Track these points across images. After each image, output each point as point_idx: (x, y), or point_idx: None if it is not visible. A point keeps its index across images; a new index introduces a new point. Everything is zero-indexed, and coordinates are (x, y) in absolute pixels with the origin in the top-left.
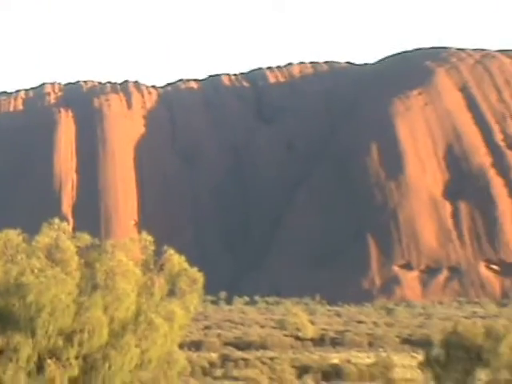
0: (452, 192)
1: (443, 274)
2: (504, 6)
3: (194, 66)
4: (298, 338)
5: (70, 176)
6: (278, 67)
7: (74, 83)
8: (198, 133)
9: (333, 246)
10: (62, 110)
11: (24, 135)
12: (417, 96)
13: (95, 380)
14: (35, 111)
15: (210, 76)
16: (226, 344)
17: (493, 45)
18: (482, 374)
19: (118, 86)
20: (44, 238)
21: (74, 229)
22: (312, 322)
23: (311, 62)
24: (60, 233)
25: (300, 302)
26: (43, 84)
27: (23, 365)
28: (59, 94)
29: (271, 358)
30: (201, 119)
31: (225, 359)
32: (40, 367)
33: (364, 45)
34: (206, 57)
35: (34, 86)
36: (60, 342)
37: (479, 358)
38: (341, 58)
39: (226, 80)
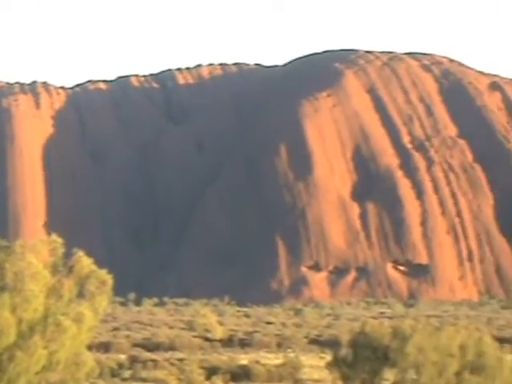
0: (360, 193)
1: (351, 275)
2: (411, 9)
3: (103, 67)
4: (207, 339)
5: None
6: (188, 68)
7: None
8: (106, 133)
9: (242, 247)
10: None
11: None
12: (325, 97)
13: (0, 381)
14: None
15: (119, 77)
16: (135, 345)
17: (400, 47)
18: (389, 374)
19: (27, 87)
20: None
21: None
22: (221, 323)
23: (220, 64)
24: None
25: (209, 303)
26: None
27: None
28: None
29: (180, 360)
30: (110, 120)
31: (133, 360)
32: None
33: (273, 47)
34: (115, 58)
35: None
36: None
37: (386, 357)
38: (250, 59)
39: (135, 81)
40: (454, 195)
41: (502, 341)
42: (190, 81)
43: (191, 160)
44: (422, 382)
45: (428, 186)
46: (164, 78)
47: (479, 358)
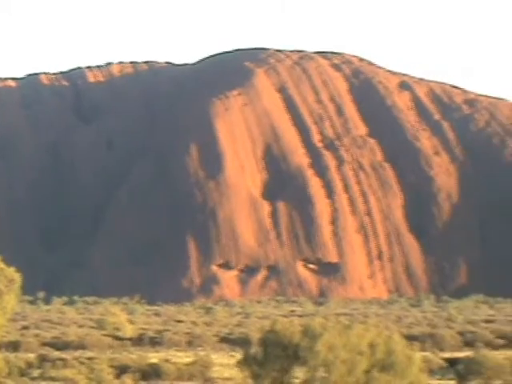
0: (271, 192)
1: (262, 274)
2: (320, 7)
3: (12, 65)
4: (116, 337)
5: None
6: (98, 67)
7: None
8: (15, 131)
9: (152, 245)
10: None
11: None
12: (236, 96)
13: None
14: None
15: (29, 75)
16: (44, 344)
17: (310, 46)
18: (299, 372)
19: None
20: None
21: None
22: (131, 322)
23: (131, 62)
24: None
25: (119, 302)
26: None
27: None
28: None
29: (89, 358)
30: (19, 118)
31: (43, 359)
32: None
33: (184, 45)
34: (25, 55)
35: None
36: None
37: (296, 356)
38: (161, 57)
39: (44, 79)
40: (363, 194)
41: (410, 338)
42: (101, 79)
43: (102, 158)
44: (331, 380)
45: (338, 185)
46: (74, 75)
47: (388, 355)
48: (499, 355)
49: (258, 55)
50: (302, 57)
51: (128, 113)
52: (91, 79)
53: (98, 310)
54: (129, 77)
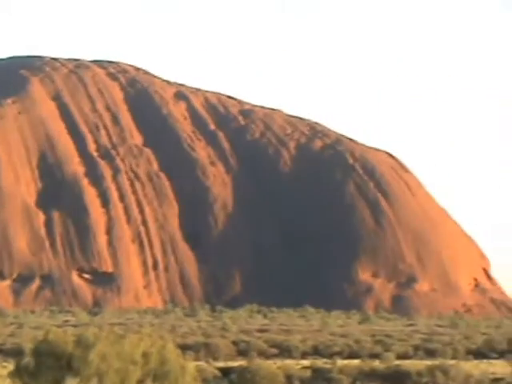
0: (45, 200)
1: (35, 283)
2: (78, 14)
3: None
4: None
5: None
6: None
7: None
8: None
9: None
10: None
11: None
12: (11, 104)
13: None
14: None
15: None
16: None
17: (87, 55)
18: (72, 383)
19: None
20: None
21: None
22: None
23: None
24: None
25: None
26: None
27: None
28: None
29: None
30: None
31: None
32: None
33: None
34: None
35: None
36: None
37: (70, 366)
38: None
39: None
40: (139, 204)
41: (185, 348)
42: None
43: None
44: None
45: (114, 195)
46: None
47: (162, 365)
48: (273, 364)
49: (33, 63)
50: (77, 65)
51: None
52: None
53: None
54: None
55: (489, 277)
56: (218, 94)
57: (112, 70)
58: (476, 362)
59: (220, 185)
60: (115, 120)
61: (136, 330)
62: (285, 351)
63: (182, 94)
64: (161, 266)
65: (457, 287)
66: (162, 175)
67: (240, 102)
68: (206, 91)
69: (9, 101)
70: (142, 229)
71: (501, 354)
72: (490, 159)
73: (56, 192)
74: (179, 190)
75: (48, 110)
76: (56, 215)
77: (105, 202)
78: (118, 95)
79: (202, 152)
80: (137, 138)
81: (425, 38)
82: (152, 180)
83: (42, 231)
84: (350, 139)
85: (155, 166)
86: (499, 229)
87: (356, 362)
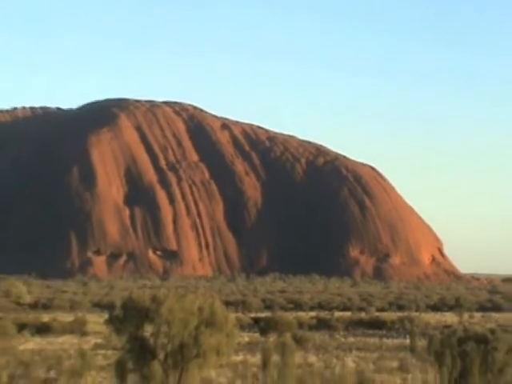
0: (130, 200)
1: (123, 258)
2: (167, 64)
3: None
4: (18, 303)
5: None
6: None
7: None
8: None
9: (46, 238)
10: None
11: None
12: (106, 132)
13: None
14: None
15: None
16: None
17: (159, 96)
18: (149, 327)
19: None
20: None
21: None
22: (29, 292)
23: (31, 108)
24: None
25: (21, 278)
26: None
27: None
28: None
29: None
30: None
31: None
32: None
33: (70, 92)
34: None
35: None
36: None
37: (147, 316)
38: (51, 103)
39: None
40: (196, 202)
41: (227, 303)
42: (8, 119)
43: (7, 176)
44: (171, 333)
45: (178, 196)
46: None
47: (212, 315)
48: (289, 315)
49: (121, 103)
50: (152, 105)
51: (28, 144)
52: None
53: (5, 284)
54: (28, 118)
55: (442, 254)
56: (250, 125)
57: (177, 108)
58: (433, 313)
59: (252, 189)
60: (179, 144)
61: (193, 290)
62: (298, 306)
63: (226, 125)
64: (211, 246)
65: (419, 261)
66: (212, 182)
67: (266, 131)
68: (243, 123)
69: (104, 130)
70: (197, 220)
71: (450, 308)
72: (444, 172)
73: (137, 194)
74: (224, 192)
75: (132, 136)
76: (137, 210)
77: (171, 201)
78: (181, 126)
79: (239, 166)
80: (194, 157)
81: None
82: (204, 185)
83: (127, 222)
84: (344, 156)
85: (207, 175)
86: (450, 220)
87: (348, 313)
